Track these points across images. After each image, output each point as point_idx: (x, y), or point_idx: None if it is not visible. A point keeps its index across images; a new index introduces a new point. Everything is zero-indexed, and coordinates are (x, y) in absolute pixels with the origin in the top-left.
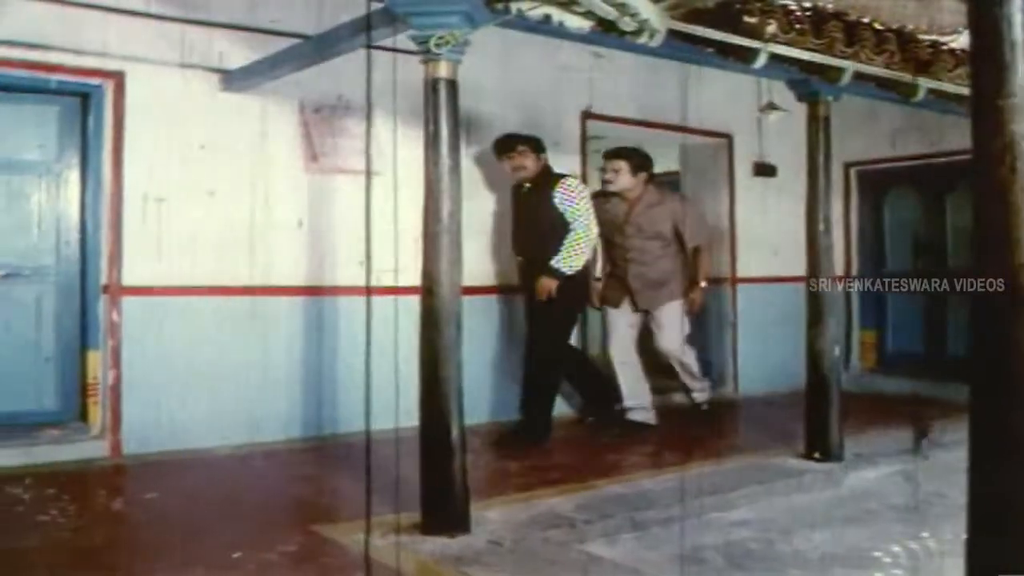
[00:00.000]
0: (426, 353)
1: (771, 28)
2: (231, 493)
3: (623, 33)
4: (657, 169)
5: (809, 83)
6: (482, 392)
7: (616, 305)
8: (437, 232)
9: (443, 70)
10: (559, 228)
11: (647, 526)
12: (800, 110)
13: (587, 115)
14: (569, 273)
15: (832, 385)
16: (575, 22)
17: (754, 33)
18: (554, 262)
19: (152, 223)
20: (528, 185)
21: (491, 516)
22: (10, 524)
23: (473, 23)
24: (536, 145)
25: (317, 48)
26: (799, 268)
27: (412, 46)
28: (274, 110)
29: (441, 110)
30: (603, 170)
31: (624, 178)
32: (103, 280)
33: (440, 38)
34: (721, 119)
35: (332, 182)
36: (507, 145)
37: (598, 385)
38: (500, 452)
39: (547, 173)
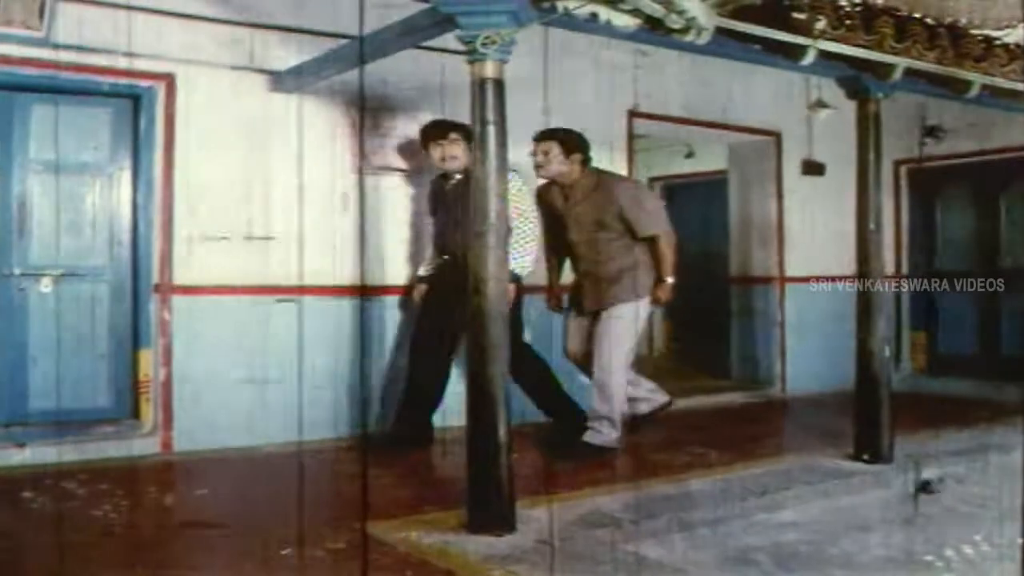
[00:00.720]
0: (473, 352)
1: (820, 24)
2: (280, 490)
3: (670, 31)
4: (705, 167)
5: (859, 80)
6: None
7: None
8: (484, 231)
9: (490, 70)
10: None
11: (695, 527)
12: (849, 107)
13: (634, 113)
14: (522, 275)
15: (882, 386)
16: (622, 20)
17: (803, 29)
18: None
19: (202, 223)
20: (458, 177)
21: (537, 515)
22: (65, 519)
23: (519, 22)
24: (468, 134)
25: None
26: (848, 267)
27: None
28: (322, 110)
29: (488, 110)
30: (533, 154)
31: (555, 162)
32: (154, 279)
33: (487, 38)
34: (769, 117)
35: (380, 181)
36: (438, 132)
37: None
38: (545, 451)
39: None
